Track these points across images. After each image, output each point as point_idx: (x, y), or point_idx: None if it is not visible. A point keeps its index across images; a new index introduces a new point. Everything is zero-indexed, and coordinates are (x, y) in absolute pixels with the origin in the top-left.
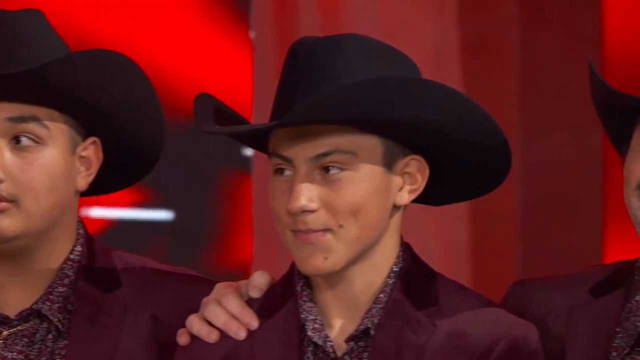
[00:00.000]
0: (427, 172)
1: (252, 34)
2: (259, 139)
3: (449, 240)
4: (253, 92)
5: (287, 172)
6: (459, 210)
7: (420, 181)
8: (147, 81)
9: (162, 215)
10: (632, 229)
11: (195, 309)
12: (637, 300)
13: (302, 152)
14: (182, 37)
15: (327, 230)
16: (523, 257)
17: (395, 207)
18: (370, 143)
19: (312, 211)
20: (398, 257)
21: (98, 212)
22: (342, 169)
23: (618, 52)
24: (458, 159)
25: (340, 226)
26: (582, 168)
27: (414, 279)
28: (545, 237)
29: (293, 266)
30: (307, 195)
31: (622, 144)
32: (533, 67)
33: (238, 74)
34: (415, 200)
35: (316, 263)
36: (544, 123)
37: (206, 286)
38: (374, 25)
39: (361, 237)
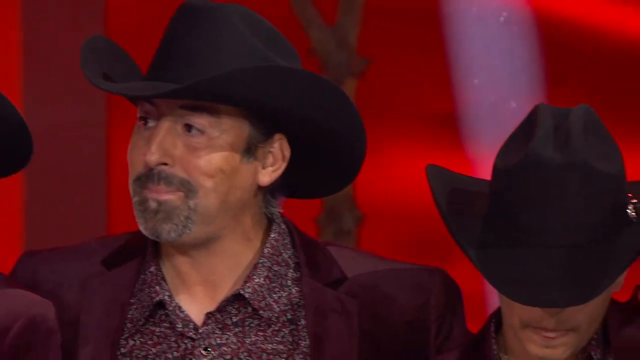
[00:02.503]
0: None
1: None
2: None
3: None
4: None
5: None
6: None
7: None
8: None
9: None
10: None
11: None
12: (151, 272)
13: None
14: None
15: None
16: (27, 226)
17: None
18: None
19: None
20: None
21: None
22: None
23: (120, 22)
24: None
25: None
26: (85, 138)
27: None
28: (48, 205)
29: None
30: None
31: None
32: (37, 34)
33: None
34: None
35: None
36: (47, 89)
37: None
38: None
39: None
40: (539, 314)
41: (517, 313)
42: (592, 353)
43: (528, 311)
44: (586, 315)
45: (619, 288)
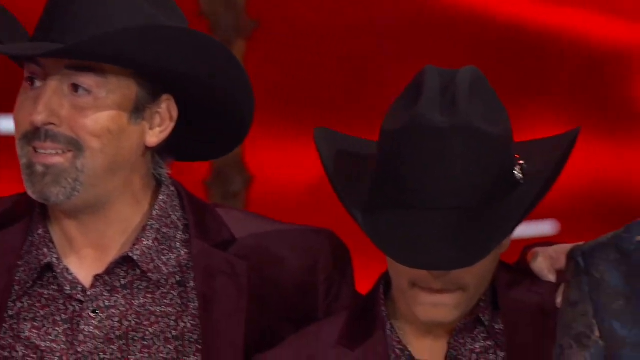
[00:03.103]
0: None
1: None
2: None
3: None
4: None
5: None
6: None
7: None
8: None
9: None
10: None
11: None
12: (39, 234)
13: None
14: None
15: None
16: None
17: None
18: None
19: None
20: None
21: None
22: None
23: None
24: None
25: None
26: None
27: None
28: None
29: None
30: None
31: None
32: None
33: None
34: None
35: None
36: None
37: None
38: None
39: None
40: (425, 275)
41: (404, 274)
42: (481, 315)
43: (416, 272)
44: (474, 275)
45: (506, 249)
